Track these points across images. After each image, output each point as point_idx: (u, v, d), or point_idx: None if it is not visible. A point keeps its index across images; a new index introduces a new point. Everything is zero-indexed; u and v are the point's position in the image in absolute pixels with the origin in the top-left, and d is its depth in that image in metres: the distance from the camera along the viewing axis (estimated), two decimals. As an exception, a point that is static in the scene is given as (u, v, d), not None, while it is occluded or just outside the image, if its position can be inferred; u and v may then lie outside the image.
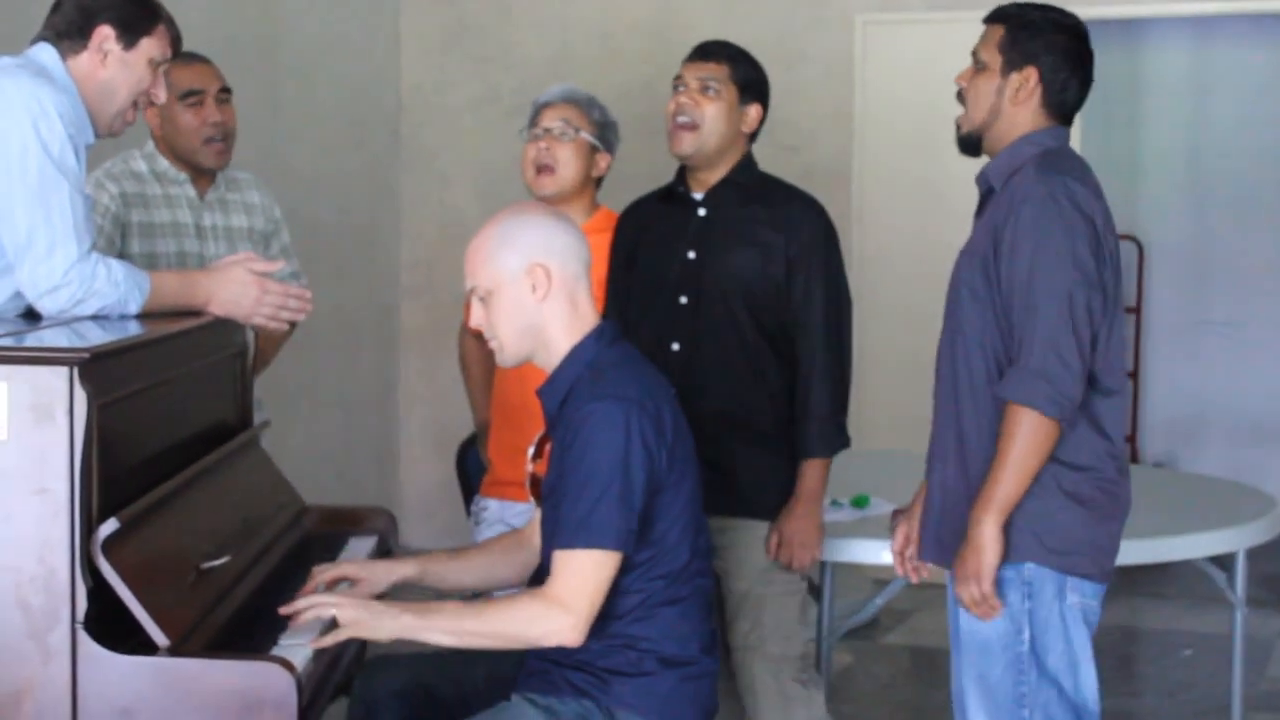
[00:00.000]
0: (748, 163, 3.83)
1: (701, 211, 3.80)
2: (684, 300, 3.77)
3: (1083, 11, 6.51)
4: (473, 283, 3.01)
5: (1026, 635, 3.07)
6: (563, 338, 2.99)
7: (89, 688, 2.50)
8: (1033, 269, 2.98)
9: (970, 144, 3.24)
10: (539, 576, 3.02)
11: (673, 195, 3.87)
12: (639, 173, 6.93)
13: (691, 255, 3.77)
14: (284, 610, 2.87)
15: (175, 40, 3.24)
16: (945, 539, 3.17)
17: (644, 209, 3.95)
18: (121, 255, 3.87)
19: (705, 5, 7.03)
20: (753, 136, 3.84)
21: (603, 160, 4.00)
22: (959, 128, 3.24)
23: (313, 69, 6.67)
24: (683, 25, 7.04)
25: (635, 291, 3.87)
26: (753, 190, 3.79)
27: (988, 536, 2.99)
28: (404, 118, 7.43)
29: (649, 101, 7.03)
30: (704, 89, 3.73)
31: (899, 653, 6.10)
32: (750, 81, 3.78)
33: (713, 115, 3.73)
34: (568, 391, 2.96)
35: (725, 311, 3.73)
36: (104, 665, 2.50)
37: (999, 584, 3.05)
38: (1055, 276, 2.97)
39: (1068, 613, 3.08)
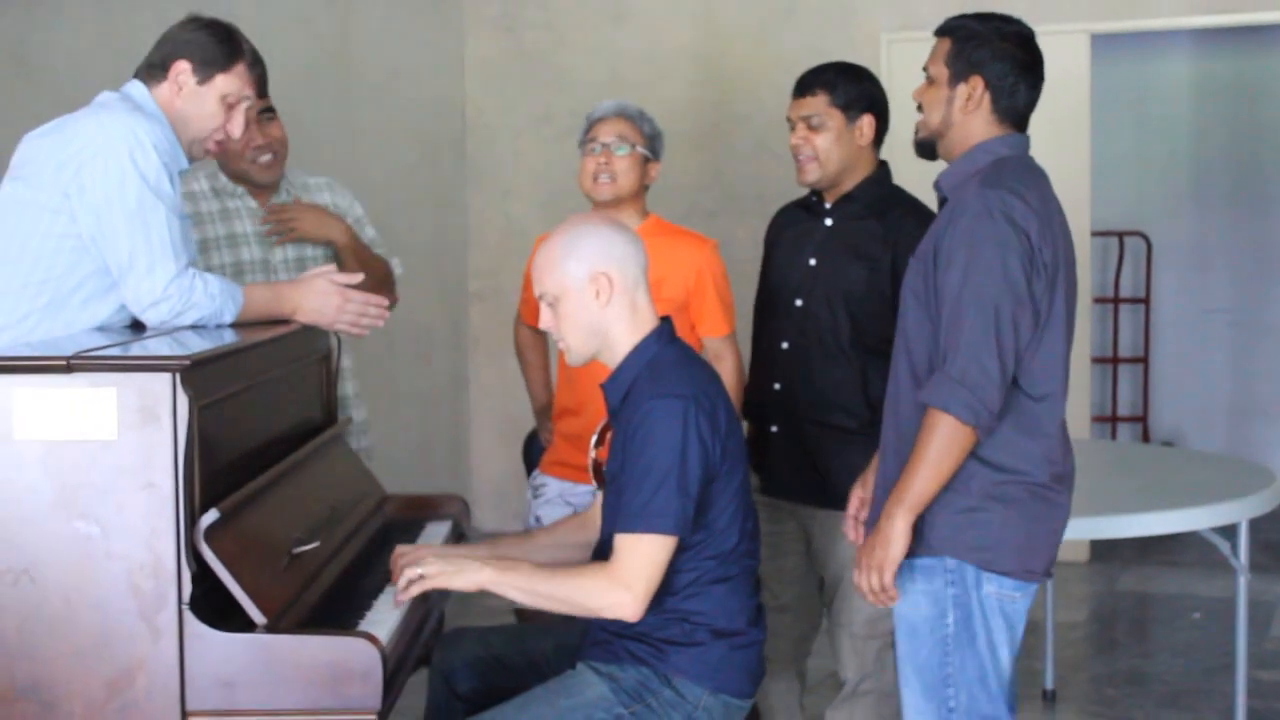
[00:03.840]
0: (876, 177, 3.75)
1: (828, 221, 3.76)
2: (799, 303, 3.74)
3: (1091, 26, 6.56)
4: (540, 290, 3.01)
5: (951, 619, 2.96)
6: (625, 338, 2.98)
7: (194, 663, 2.52)
8: (964, 280, 2.85)
9: (926, 148, 3.11)
10: (599, 553, 3.03)
11: (808, 204, 3.85)
12: (685, 184, 6.98)
13: (813, 262, 3.74)
14: (398, 597, 2.91)
15: (258, 81, 3.21)
16: None
17: (786, 214, 3.94)
18: None
19: (742, 29, 7.01)
20: (878, 141, 3.76)
21: (653, 169, 3.95)
22: (916, 132, 3.11)
23: (385, 94, 6.70)
24: (721, 49, 7.04)
25: (765, 290, 3.87)
26: (875, 205, 3.71)
27: (897, 531, 2.87)
28: (469, 137, 7.44)
29: (693, 118, 7.04)
30: (809, 125, 3.69)
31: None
32: (852, 99, 3.70)
33: (825, 146, 3.68)
34: (629, 387, 2.96)
35: (830, 319, 3.68)
36: (208, 642, 2.52)
37: (925, 571, 2.96)
38: (983, 288, 2.83)
39: (986, 601, 2.95)
